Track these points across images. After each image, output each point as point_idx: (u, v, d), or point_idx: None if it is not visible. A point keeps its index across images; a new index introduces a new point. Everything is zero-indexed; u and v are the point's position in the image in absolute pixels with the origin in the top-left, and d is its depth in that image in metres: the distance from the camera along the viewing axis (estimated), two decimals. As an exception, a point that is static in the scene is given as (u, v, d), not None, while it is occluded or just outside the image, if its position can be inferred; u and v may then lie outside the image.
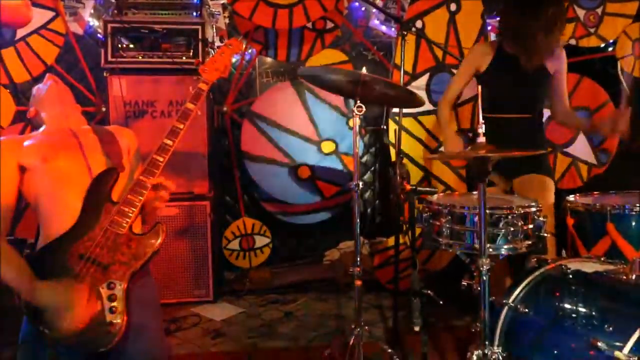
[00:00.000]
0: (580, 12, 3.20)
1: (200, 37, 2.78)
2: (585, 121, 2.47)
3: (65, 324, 1.33)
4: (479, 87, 1.58)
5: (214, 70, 1.69)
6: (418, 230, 2.03)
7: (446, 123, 2.28)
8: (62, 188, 1.49)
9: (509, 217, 1.61)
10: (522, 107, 2.21)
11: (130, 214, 1.45)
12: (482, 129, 1.49)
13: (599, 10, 3.22)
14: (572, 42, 3.22)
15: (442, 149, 3.03)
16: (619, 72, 3.42)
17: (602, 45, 3.28)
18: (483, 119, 2.26)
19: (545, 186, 2.18)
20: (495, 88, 2.17)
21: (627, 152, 3.28)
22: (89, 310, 1.36)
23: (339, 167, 3.30)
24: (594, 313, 1.41)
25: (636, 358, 1.22)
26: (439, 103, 2.32)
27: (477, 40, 2.99)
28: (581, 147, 3.25)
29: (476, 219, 1.59)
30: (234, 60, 3.57)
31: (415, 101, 1.96)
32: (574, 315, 1.45)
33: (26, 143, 1.53)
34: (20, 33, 2.88)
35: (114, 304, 1.39)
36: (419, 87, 2.98)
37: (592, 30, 3.22)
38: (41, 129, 1.64)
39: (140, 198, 1.46)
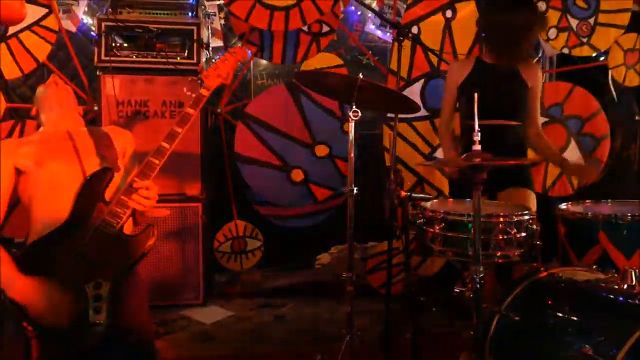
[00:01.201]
0: (573, 22, 3.24)
1: (195, 37, 2.76)
2: (558, 155, 2.40)
3: (48, 322, 1.32)
4: (475, 95, 1.58)
5: (216, 76, 1.68)
6: (411, 236, 2.03)
7: (447, 148, 2.33)
8: (55, 191, 1.49)
9: (502, 224, 1.62)
10: (501, 114, 2.20)
11: (122, 215, 1.44)
12: (477, 137, 1.50)
13: (592, 20, 3.25)
14: (565, 51, 3.25)
15: (435, 154, 3.04)
16: (610, 82, 3.46)
17: (594, 54, 3.32)
18: (465, 125, 2.28)
19: (526, 200, 2.19)
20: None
21: (617, 161, 3.32)
22: (73, 309, 1.35)
23: (333, 171, 3.29)
24: (585, 322, 1.42)
25: (628, 368, 1.22)
26: (438, 128, 2.36)
27: (472, 47, 3.00)
28: (572, 156, 3.27)
29: (470, 226, 1.59)
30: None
31: (411, 107, 1.96)
32: (565, 324, 1.45)
33: (22, 146, 1.55)
34: (12, 29, 2.84)
35: (99, 304, 1.37)
36: (413, 92, 2.99)
37: (584, 39, 3.26)
38: (39, 131, 1.66)
39: (133, 199, 1.46)
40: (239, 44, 3.30)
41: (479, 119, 2.13)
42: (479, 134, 1.50)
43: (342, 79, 1.88)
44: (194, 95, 1.62)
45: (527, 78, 2.25)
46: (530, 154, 2.46)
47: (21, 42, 2.86)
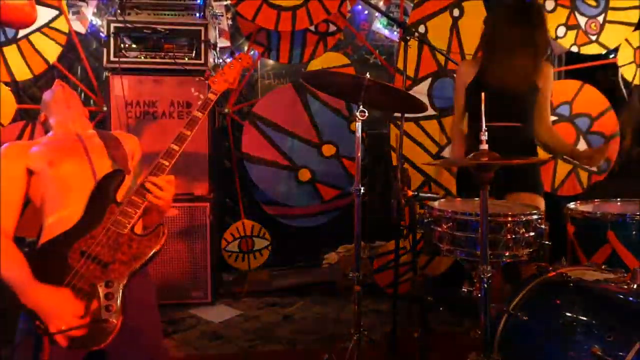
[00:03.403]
0: (582, 20, 3.21)
1: (203, 38, 2.78)
2: (568, 146, 2.39)
3: (60, 323, 1.34)
4: (482, 95, 1.58)
5: (223, 81, 1.76)
6: (418, 236, 2.02)
7: (458, 148, 2.30)
8: (67, 192, 1.51)
9: (511, 224, 1.61)
10: (509, 116, 2.18)
11: (133, 215, 1.46)
12: (484, 137, 1.49)
13: (601, 18, 3.22)
14: (574, 49, 3.22)
15: (443, 153, 3.03)
16: (620, 80, 3.43)
17: (604, 52, 3.29)
18: (470, 126, 2.26)
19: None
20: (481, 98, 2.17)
21: (627, 160, 3.29)
22: (84, 309, 1.36)
23: (340, 170, 3.30)
24: (594, 322, 1.41)
25: (637, 369, 1.21)
26: (450, 128, 2.34)
27: (479, 46, 2.98)
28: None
29: (477, 225, 1.59)
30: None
31: (418, 106, 1.96)
32: (574, 324, 1.44)
33: (34, 148, 1.57)
34: (23, 31, 2.87)
35: (111, 302, 1.39)
36: (420, 92, 2.98)
37: (593, 37, 3.23)
38: (49, 134, 1.68)
39: (144, 200, 1.48)
40: (246, 44, 3.32)
41: (486, 120, 2.13)
42: (486, 134, 1.50)
43: (349, 78, 1.88)
44: (202, 97, 1.66)
45: (537, 78, 2.21)
46: (541, 153, 2.43)
47: (32, 44, 2.90)
